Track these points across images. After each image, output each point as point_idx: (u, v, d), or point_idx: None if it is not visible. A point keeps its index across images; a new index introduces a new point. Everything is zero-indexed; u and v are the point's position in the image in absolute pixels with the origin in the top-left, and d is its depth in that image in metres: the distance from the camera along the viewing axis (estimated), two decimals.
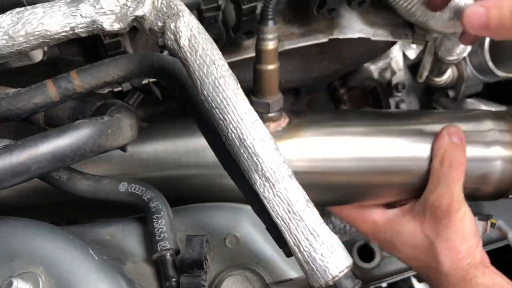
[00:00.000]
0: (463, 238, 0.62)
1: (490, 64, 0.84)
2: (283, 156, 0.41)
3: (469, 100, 0.95)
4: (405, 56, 0.91)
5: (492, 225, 0.68)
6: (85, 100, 0.55)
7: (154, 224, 0.49)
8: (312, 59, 0.79)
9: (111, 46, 0.56)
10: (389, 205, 0.70)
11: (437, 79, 0.88)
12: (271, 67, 0.61)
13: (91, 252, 0.43)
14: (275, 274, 0.47)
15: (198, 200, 0.55)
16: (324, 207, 0.78)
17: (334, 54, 0.78)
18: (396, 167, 0.66)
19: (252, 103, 0.62)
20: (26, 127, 0.65)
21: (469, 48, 0.80)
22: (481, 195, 0.68)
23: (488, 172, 0.68)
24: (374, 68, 0.90)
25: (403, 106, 0.93)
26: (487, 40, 0.84)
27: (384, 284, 0.94)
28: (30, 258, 0.41)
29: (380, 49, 0.80)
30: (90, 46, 0.62)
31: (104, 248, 0.48)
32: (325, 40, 0.68)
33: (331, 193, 0.67)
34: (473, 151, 0.67)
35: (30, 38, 0.42)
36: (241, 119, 0.41)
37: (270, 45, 0.59)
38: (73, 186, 0.50)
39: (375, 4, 0.71)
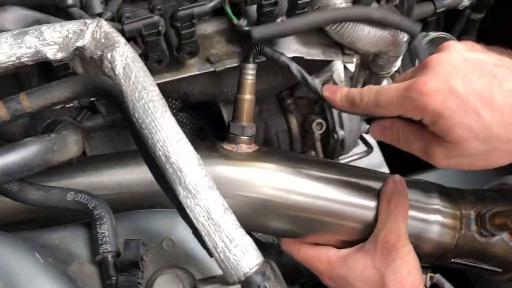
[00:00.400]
0: (409, 271, 0.68)
1: None
2: (205, 170, 0.47)
3: None
4: (346, 69, 0.98)
5: (431, 278, 0.75)
6: (36, 117, 0.60)
7: (97, 229, 0.55)
8: (258, 74, 0.86)
9: (59, 68, 0.62)
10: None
11: None
12: (248, 97, 0.74)
13: (37, 255, 0.48)
14: (204, 272, 0.54)
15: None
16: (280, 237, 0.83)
17: (277, 69, 0.85)
18: (346, 211, 0.72)
19: (229, 126, 0.72)
20: None
21: (399, 63, 0.88)
22: (421, 253, 0.74)
23: (426, 232, 0.74)
24: (317, 80, 0.97)
25: (345, 114, 1.00)
26: (420, 54, 0.92)
27: None
28: None
29: (319, 64, 0.87)
30: (44, 65, 0.67)
31: (53, 251, 0.54)
32: (263, 59, 0.75)
33: (286, 222, 0.73)
34: (414, 213, 0.74)
35: None
36: (167, 138, 0.47)
37: (250, 79, 0.73)
38: (24, 196, 0.56)
39: None
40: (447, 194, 0.79)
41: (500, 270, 0.76)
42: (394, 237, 0.69)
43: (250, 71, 0.73)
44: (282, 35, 0.70)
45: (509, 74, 0.55)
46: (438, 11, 0.89)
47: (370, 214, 0.72)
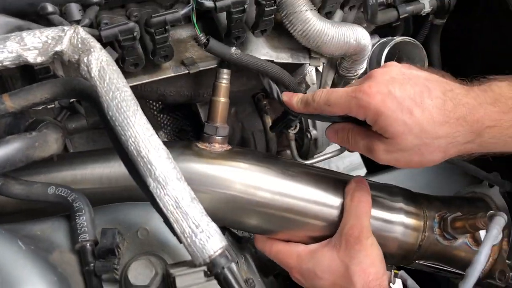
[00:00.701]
0: (372, 262, 0.73)
1: None
2: (173, 162, 0.52)
3: None
4: (318, 72, 1.04)
5: (395, 274, 0.79)
6: (19, 117, 0.65)
7: (77, 220, 0.59)
8: (234, 76, 0.90)
9: (41, 71, 0.66)
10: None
11: None
12: (223, 99, 0.80)
13: (20, 243, 0.52)
14: (176, 258, 0.58)
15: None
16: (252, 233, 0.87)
17: (250, 72, 0.90)
18: (313, 209, 0.77)
19: (204, 126, 0.78)
20: None
21: (364, 65, 0.93)
22: (386, 253, 0.78)
23: (389, 231, 0.79)
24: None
25: None
26: (384, 56, 0.98)
27: None
28: None
29: (289, 68, 0.92)
30: (27, 68, 0.71)
31: (35, 241, 0.58)
32: None
33: (256, 219, 0.77)
34: (378, 212, 0.79)
35: None
36: (138, 134, 0.51)
37: (224, 83, 0.79)
38: (8, 190, 0.60)
39: (279, 30, 0.83)
40: (412, 197, 0.84)
41: (464, 273, 0.79)
42: (357, 231, 0.74)
43: (225, 75, 0.79)
44: (226, 60, 0.76)
45: (437, 85, 0.65)
46: (401, 17, 0.95)
47: (335, 212, 0.78)
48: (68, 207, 0.61)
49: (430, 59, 1.03)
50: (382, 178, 1.13)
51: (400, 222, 0.80)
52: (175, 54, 0.76)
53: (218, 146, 0.78)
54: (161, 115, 1.11)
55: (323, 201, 0.78)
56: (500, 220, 0.73)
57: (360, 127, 0.70)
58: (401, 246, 0.81)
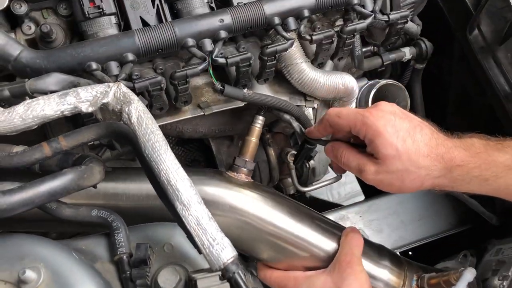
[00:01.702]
0: (361, 285, 0.84)
1: None
2: (195, 189, 0.66)
3: None
4: (314, 109, 1.18)
5: None
6: (68, 153, 0.79)
7: (115, 236, 0.73)
8: (239, 115, 1.06)
9: (86, 115, 0.81)
10: None
11: None
12: (254, 140, 0.97)
13: (74, 254, 0.67)
14: (195, 267, 0.72)
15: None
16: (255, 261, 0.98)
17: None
18: (312, 247, 0.91)
19: (235, 158, 0.96)
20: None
21: (353, 105, 1.08)
22: None
23: (373, 285, 0.91)
24: (291, 118, 1.17)
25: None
26: (371, 97, 1.12)
27: None
28: (34, 258, 0.64)
29: None
30: None
31: (81, 253, 0.72)
32: (242, 105, 0.95)
33: (263, 246, 0.90)
34: (366, 264, 0.90)
35: (35, 119, 0.67)
36: (169, 168, 0.66)
37: (257, 127, 0.97)
38: (60, 212, 0.74)
39: (279, 77, 0.98)
40: (397, 258, 0.97)
41: None
42: (349, 257, 0.86)
43: (259, 121, 0.97)
44: (241, 100, 0.92)
45: (427, 126, 0.80)
46: (385, 63, 1.11)
47: (331, 251, 0.91)
48: (108, 226, 0.75)
49: (412, 98, 1.18)
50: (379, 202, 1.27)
51: (384, 277, 0.93)
52: (193, 98, 0.91)
53: (244, 176, 0.94)
54: (177, 147, 1.26)
55: (319, 241, 0.91)
56: (468, 274, 0.84)
57: (354, 148, 0.83)
58: None
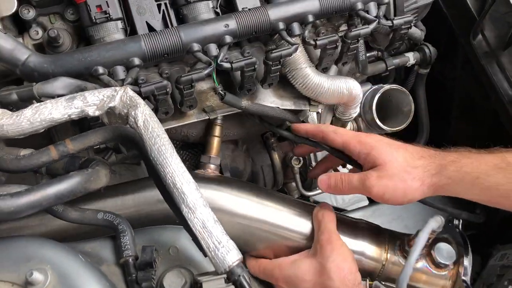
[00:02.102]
0: (344, 258, 0.85)
1: (378, 121, 1.13)
2: (200, 192, 0.67)
3: None
4: (318, 114, 1.19)
5: (370, 285, 0.88)
6: (74, 156, 0.80)
7: (121, 239, 0.73)
8: (243, 119, 1.06)
9: (92, 119, 0.82)
10: None
11: None
12: (216, 137, 1.00)
13: (80, 256, 0.67)
14: (200, 270, 0.72)
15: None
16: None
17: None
18: (293, 233, 0.92)
19: (200, 157, 0.95)
20: (16, 175, 0.90)
21: (357, 110, 1.09)
22: None
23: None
24: None
25: (318, 153, 1.20)
26: (375, 101, 1.13)
27: None
28: (40, 260, 0.65)
29: (294, 112, 1.08)
30: None
31: (87, 256, 0.72)
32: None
33: (241, 238, 0.86)
34: (344, 238, 0.90)
35: (43, 123, 0.68)
36: (174, 171, 0.67)
37: (218, 124, 0.99)
38: (67, 215, 0.75)
39: (283, 81, 0.99)
40: (377, 228, 0.96)
41: None
42: (327, 234, 0.87)
43: (219, 120, 1.00)
44: (239, 109, 0.93)
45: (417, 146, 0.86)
46: (389, 68, 1.11)
47: (308, 230, 0.91)
48: (113, 229, 0.75)
49: (416, 103, 1.19)
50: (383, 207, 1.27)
51: (364, 249, 0.91)
52: (198, 103, 0.92)
53: (210, 172, 0.96)
54: (182, 152, 1.27)
55: (295, 224, 0.92)
56: (433, 222, 0.82)
57: (352, 171, 0.87)
58: (364, 267, 0.91)
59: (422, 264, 0.88)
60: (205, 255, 0.66)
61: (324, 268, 0.84)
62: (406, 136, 1.23)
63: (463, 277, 0.85)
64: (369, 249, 0.92)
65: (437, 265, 0.87)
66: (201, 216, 0.65)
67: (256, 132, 1.14)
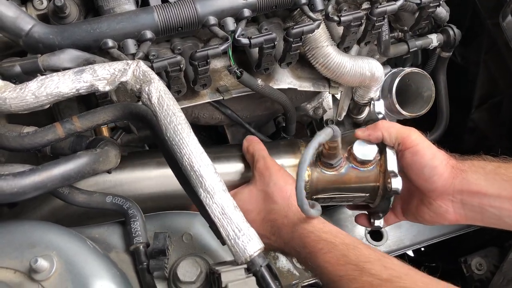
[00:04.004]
0: (286, 181, 0.82)
1: (397, 106, 1.07)
2: (219, 176, 0.62)
3: None
4: (334, 98, 1.14)
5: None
6: (81, 136, 0.75)
7: (132, 225, 0.68)
8: (258, 101, 1.01)
9: (101, 95, 0.77)
10: None
11: (358, 117, 1.11)
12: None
13: (88, 242, 0.62)
14: (216, 259, 0.67)
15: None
16: None
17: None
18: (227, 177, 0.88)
19: None
20: (17, 154, 0.85)
21: (377, 94, 1.03)
22: None
23: None
24: (309, 107, 1.12)
25: None
26: (395, 85, 1.07)
27: None
28: (46, 246, 0.60)
29: (310, 94, 1.03)
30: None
31: (95, 242, 0.67)
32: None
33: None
34: None
35: (49, 97, 0.63)
36: (192, 152, 0.61)
37: None
38: (73, 198, 0.70)
39: (302, 61, 0.93)
40: (290, 141, 0.95)
41: (367, 194, 0.88)
42: (262, 161, 0.85)
43: None
44: (252, 89, 0.87)
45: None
46: (411, 50, 1.06)
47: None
48: (123, 213, 0.70)
49: (437, 88, 1.13)
50: None
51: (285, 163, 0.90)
52: (211, 82, 0.86)
53: None
54: None
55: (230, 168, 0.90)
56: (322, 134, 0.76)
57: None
58: None
59: (348, 165, 0.87)
60: (224, 243, 0.61)
61: (266, 194, 0.82)
62: (424, 123, 1.18)
63: (389, 168, 0.83)
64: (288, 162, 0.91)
65: (362, 163, 0.86)
66: (220, 201, 0.60)
67: (271, 115, 1.09)
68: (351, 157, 0.86)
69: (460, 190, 0.80)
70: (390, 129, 0.84)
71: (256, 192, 0.83)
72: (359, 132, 0.86)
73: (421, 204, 0.85)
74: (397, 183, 0.82)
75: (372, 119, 0.98)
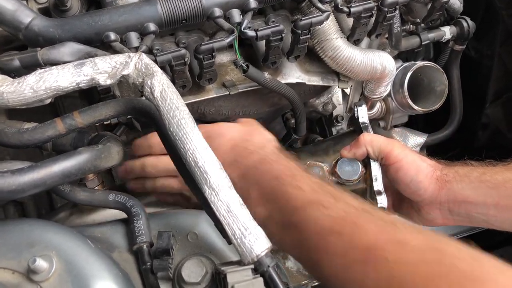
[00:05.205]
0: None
1: (409, 101, 1.04)
2: (224, 172, 0.59)
3: (396, 129, 1.15)
4: (344, 93, 1.11)
5: None
6: (83, 132, 0.73)
7: (135, 224, 0.66)
8: (265, 97, 0.98)
9: (103, 90, 0.75)
10: None
11: (368, 112, 1.08)
12: None
13: (89, 242, 0.60)
14: (222, 259, 0.65)
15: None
16: None
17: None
18: None
19: None
20: (23, 151, 0.83)
21: (388, 88, 1.00)
22: None
23: None
24: (318, 103, 1.09)
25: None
26: (407, 80, 1.04)
27: None
28: (45, 245, 0.57)
29: (318, 89, 1.00)
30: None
31: (97, 241, 0.65)
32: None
33: None
34: None
35: (48, 91, 0.60)
36: (196, 148, 0.59)
37: None
38: (74, 196, 0.68)
39: (310, 55, 0.90)
40: None
41: None
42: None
43: None
44: (259, 83, 0.84)
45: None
46: (423, 43, 1.02)
47: None
48: (126, 212, 0.68)
49: (450, 82, 1.10)
50: None
51: None
52: (217, 77, 0.84)
53: None
54: None
55: None
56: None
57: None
58: None
59: (334, 180, 0.88)
60: (230, 242, 0.59)
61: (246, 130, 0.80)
62: (437, 118, 1.15)
63: (375, 187, 0.83)
64: None
65: (347, 181, 0.87)
66: (225, 198, 0.58)
67: (279, 111, 1.06)
68: (336, 175, 0.87)
69: (446, 200, 0.79)
70: (373, 143, 0.83)
71: (238, 126, 0.81)
72: (345, 152, 0.85)
73: (411, 208, 0.85)
74: (383, 202, 0.82)
75: (355, 128, 0.97)
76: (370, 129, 0.88)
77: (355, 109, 0.89)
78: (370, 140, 0.83)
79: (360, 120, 0.88)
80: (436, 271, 0.50)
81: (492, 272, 0.50)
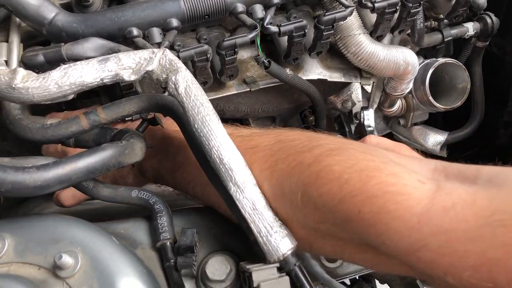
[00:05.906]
0: None
1: (431, 98, 1.02)
2: (249, 169, 0.58)
3: (417, 127, 1.14)
4: (363, 90, 1.09)
5: None
6: (105, 128, 0.72)
7: (158, 220, 0.65)
8: (285, 93, 0.97)
9: (125, 87, 0.74)
10: None
11: (389, 110, 1.07)
12: None
13: (113, 238, 0.60)
14: (244, 258, 0.64)
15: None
16: None
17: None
18: None
19: None
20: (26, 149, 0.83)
21: (410, 86, 0.99)
22: None
23: None
24: (338, 100, 1.08)
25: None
26: (428, 76, 1.02)
27: (347, 281, 1.11)
28: (70, 242, 0.57)
29: (339, 86, 0.99)
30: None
31: (120, 238, 0.65)
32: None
33: None
34: None
35: (72, 87, 0.60)
36: (221, 144, 0.58)
37: None
38: (98, 192, 0.67)
39: (332, 51, 0.89)
40: None
41: None
42: None
43: None
44: (281, 80, 0.83)
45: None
46: (445, 39, 1.01)
47: None
48: (149, 208, 0.67)
49: (471, 79, 1.08)
50: None
51: None
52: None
53: None
54: None
55: None
56: None
57: None
58: None
59: None
60: (255, 240, 0.58)
61: None
62: (457, 116, 1.13)
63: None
64: None
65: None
66: (251, 196, 0.57)
67: (298, 108, 1.05)
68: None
69: None
70: (379, 145, 0.78)
71: None
72: None
73: None
74: None
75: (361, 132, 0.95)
76: (376, 134, 0.86)
77: (362, 113, 0.87)
78: (377, 143, 0.80)
79: (366, 123, 0.86)
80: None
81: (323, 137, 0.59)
